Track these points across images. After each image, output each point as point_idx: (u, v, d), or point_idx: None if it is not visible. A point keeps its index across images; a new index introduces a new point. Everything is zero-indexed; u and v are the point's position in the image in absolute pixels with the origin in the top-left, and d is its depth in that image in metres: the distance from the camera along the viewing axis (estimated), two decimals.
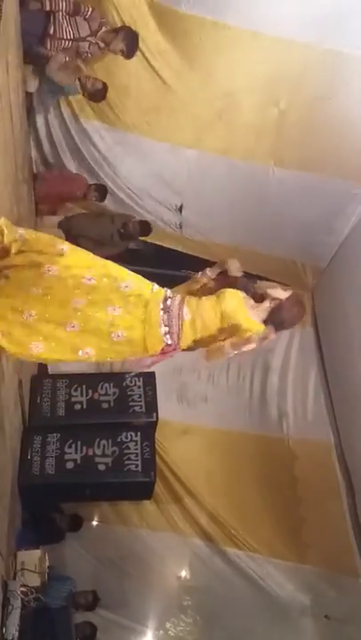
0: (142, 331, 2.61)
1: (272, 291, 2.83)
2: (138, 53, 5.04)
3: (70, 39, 4.82)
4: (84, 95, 5.29)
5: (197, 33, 4.89)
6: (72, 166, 5.88)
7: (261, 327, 2.77)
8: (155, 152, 5.69)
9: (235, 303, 2.74)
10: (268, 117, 5.29)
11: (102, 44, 4.89)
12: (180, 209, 6.07)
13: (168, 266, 6.62)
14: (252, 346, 2.75)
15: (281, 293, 2.82)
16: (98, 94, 5.22)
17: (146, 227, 5.88)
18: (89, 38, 4.87)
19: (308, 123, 5.23)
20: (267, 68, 5.02)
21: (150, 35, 5.00)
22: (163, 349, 2.66)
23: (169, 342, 2.65)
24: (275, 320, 2.79)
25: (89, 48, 4.89)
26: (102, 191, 5.84)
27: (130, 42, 4.87)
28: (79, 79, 5.13)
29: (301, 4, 4.59)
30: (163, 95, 5.32)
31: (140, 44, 5.00)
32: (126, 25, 4.92)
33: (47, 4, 4.70)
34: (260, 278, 6.66)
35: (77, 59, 4.99)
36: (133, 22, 4.94)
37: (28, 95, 5.14)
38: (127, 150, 5.72)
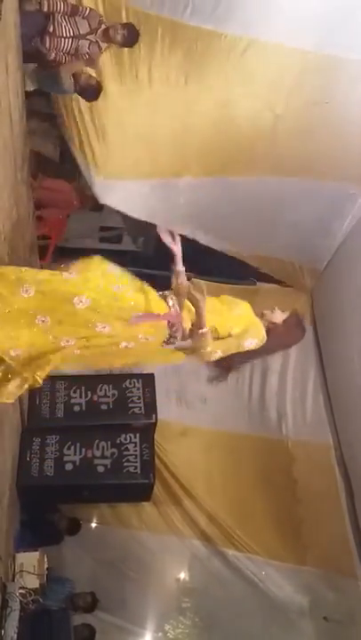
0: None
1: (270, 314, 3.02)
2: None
3: (70, 37, 4.79)
4: (75, 91, 5.24)
5: (195, 42, 4.87)
6: None
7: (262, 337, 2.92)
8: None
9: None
10: (264, 126, 5.26)
11: (102, 43, 4.88)
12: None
13: (167, 267, 6.63)
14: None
15: (279, 316, 3.01)
16: (90, 90, 5.15)
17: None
18: (89, 37, 4.85)
19: (304, 128, 5.22)
20: (264, 75, 5.00)
21: (146, 45, 5.00)
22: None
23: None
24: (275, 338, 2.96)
25: (89, 48, 4.86)
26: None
27: (129, 31, 4.85)
28: (73, 74, 5.09)
29: (297, 10, 4.59)
30: (157, 112, 5.30)
31: (138, 53, 5.01)
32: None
33: (45, 5, 4.68)
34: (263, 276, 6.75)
35: (77, 62, 4.99)
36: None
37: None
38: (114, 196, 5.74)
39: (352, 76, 4.88)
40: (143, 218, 5.89)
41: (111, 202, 5.80)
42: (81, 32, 4.76)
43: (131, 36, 4.85)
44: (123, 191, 5.69)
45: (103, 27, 4.80)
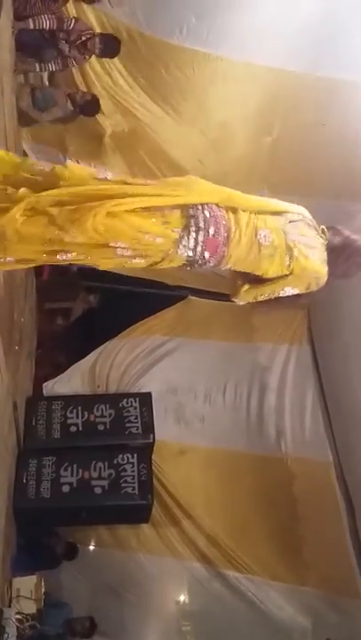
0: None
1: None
2: (130, 86, 5.12)
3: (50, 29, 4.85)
4: (75, 111, 5.30)
5: (191, 65, 4.95)
6: None
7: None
8: None
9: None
10: (261, 145, 5.36)
11: (83, 50, 4.94)
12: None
13: (163, 286, 6.63)
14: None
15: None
16: (89, 106, 5.23)
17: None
18: (70, 39, 4.90)
19: (300, 148, 5.30)
20: (260, 98, 5.10)
21: (144, 67, 5.07)
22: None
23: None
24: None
25: (69, 52, 4.93)
26: None
27: (108, 42, 4.92)
28: (68, 95, 5.15)
29: (291, 34, 4.68)
30: (156, 129, 5.36)
31: (135, 76, 5.07)
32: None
33: (30, 23, 4.73)
34: None
35: (65, 68, 5.05)
36: (127, 53, 5.01)
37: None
38: None
39: (346, 96, 4.95)
40: None
41: None
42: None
43: (108, 47, 4.92)
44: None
45: (83, 39, 4.86)
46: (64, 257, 2.18)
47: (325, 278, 2.44)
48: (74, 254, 2.17)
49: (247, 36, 4.80)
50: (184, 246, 2.24)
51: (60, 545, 5.21)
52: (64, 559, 5.23)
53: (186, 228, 2.22)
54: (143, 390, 5.74)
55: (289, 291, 2.45)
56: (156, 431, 5.29)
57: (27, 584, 4.48)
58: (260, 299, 2.50)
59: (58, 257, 2.18)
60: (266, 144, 5.37)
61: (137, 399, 5.45)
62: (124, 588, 5.33)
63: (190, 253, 2.26)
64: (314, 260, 2.39)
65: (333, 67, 4.81)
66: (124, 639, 5.23)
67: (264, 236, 2.31)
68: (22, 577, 4.54)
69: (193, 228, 2.23)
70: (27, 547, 4.99)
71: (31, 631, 4.26)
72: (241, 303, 2.57)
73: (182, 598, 5.50)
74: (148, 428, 5.28)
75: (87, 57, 5.00)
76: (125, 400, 5.44)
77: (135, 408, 5.35)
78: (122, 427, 5.27)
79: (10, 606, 4.29)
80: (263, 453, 5.92)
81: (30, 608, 4.38)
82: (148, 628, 5.39)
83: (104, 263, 2.26)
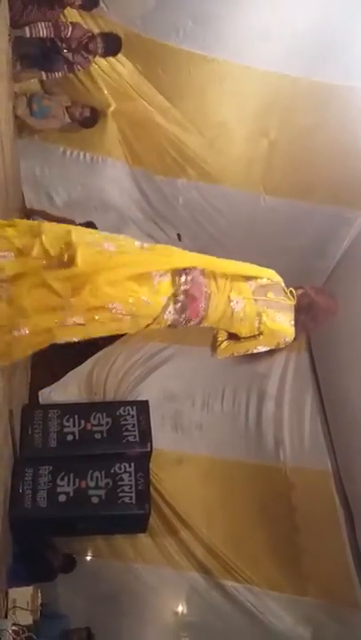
0: None
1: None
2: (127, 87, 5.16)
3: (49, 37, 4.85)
4: (74, 124, 5.32)
5: (188, 66, 4.98)
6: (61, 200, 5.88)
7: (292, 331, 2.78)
8: (146, 183, 5.72)
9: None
10: (258, 147, 5.40)
11: (86, 54, 4.96)
12: (179, 237, 6.07)
13: None
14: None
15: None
16: (88, 121, 5.25)
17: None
18: (71, 47, 4.91)
19: (298, 152, 5.32)
20: (257, 100, 5.14)
21: (141, 67, 5.08)
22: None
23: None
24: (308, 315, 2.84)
25: (73, 58, 4.94)
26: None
27: (109, 40, 4.94)
28: (67, 109, 5.15)
29: (289, 38, 4.71)
30: (153, 125, 5.37)
31: (132, 75, 5.09)
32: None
33: (27, 31, 4.73)
34: None
35: (70, 73, 5.05)
36: (125, 54, 5.05)
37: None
38: (117, 183, 5.76)
39: (343, 101, 4.97)
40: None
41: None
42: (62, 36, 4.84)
43: (110, 45, 4.94)
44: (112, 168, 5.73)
45: (86, 39, 4.86)
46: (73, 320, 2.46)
47: (292, 336, 2.77)
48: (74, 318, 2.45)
49: (243, 40, 4.84)
50: (170, 312, 2.51)
51: (57, 558, 5.15)
52: (61, 572, 5.17)
53: (173, 297, 2.49)
54: (141, 398, 5.69)
55: (261, 348, 2.80)
56: (153, 439, 5.24)
57: (23, 595, 4.41)
58: (236, 355, 2.85)
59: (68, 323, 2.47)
60: (263, 146, 5.40)
61: (134, 407, 5.40)
62: (121, 599, 5.26)
63: (175, 317, 2.54)
64: (281, 323, 2.72)
65: (329, 71, 4.84)
66: None
67: (237, 303, 2.63)
68: (18, 588, 4.48)
69: (179, 297, 2.50)
70: (23, 557, 4.93)
71: None
72: (219, 358, 2.92)
73: (180, 609, 5.43)
74: (146, 436, 5.23)
75: (91, 58, 5.00)
76: (123, 408, 5.38)
77: (132, 416, 5.30)
78: (119, 435, 5.22)
79: (6, 617, 4.24)
80: (262, 462, 5.87)
81: (27, 619, 4.31)
82: (147, 639, 5.33)
83: (95, 328, 2.55)
